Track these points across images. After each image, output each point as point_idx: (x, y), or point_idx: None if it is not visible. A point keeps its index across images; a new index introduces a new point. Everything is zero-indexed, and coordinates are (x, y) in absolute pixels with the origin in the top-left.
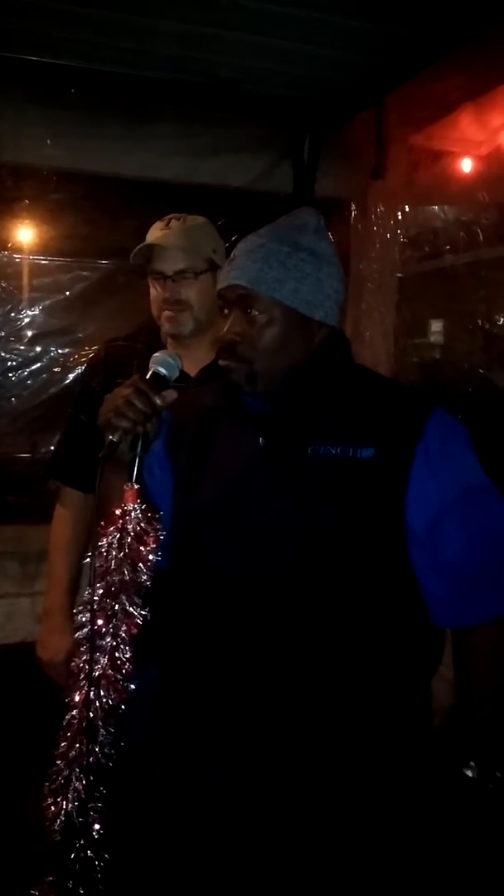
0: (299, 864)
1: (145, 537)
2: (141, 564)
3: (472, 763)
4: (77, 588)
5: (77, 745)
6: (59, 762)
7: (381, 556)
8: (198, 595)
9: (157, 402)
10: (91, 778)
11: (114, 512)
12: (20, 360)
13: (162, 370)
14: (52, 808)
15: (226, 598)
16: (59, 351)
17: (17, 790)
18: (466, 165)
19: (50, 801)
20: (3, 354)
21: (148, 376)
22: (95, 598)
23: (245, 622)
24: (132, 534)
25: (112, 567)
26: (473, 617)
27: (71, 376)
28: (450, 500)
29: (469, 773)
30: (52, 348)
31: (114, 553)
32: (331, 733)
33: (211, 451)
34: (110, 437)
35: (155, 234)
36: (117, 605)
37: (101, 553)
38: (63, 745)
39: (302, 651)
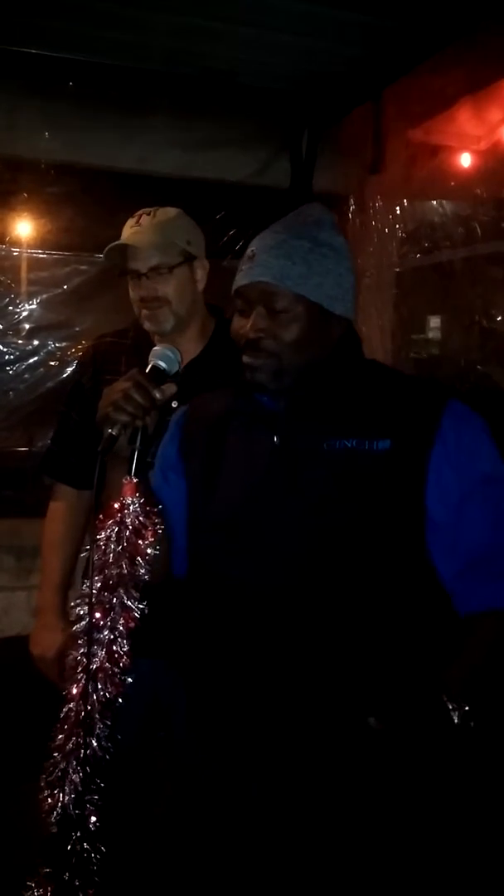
0: (309, 859)
1: (144, 531)
2: (139, 558)
3: (453, 705)
4: (70, 585)
5: (74, 738)
6: (55, 755)
7: (400, 548)
8: (218, 600)
9: (157, 395)
10: (87, 770)
11: (112, 506)
12: (17, 353)
13: (161, 364)
14: (49, 800)
15: (246, 602)
16: (56, 345)
17: (13, 782)
18: (465, 160)
19: (46, 793)
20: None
21: (147, 370)
22: (94, 591)
23: (267, 624)
24: (130, 527)
25: (110, 560)
26: (495, 601)
27: (68, 370)
28: (468, 488)
29: (454, 717)
30: (50, 342)
31: (112, 546)
32: (356, 732)
33: (225, 456)
34: (109, 430)
35: (126, 232)
36: (115, 599)
37: (99, 546)
38: (60, 737)
39: (325, 647)
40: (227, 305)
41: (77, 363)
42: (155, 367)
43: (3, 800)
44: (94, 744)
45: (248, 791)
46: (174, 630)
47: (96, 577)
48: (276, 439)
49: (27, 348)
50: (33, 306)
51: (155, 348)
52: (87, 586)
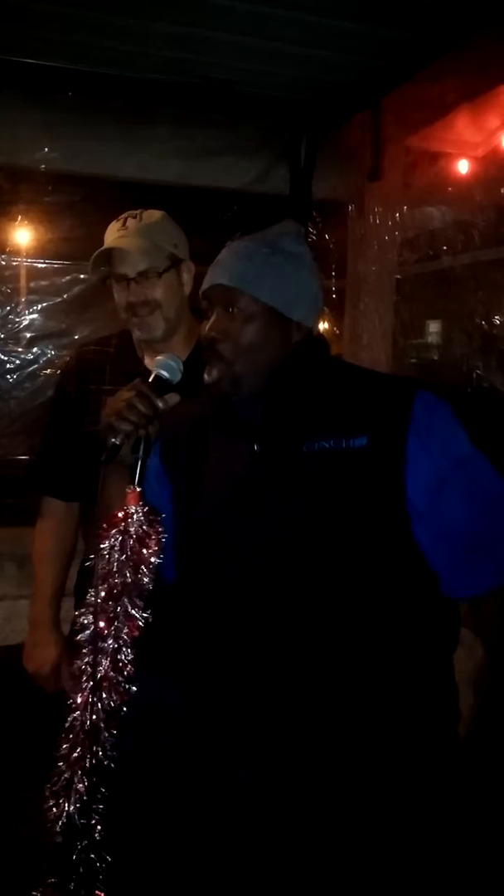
0: (312, 866)
1: (147, 540)
2: (143, 567)
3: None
4: (62, 597)
5: (79, 747)
6: (60, 764)
7: (386, 540)
8: (209, 604)
9: (159, 404)
10: (93, 779)
11: (116, 514)
12: (17, 362)
13: (164, 373)
14: (54, 809)
15: (237, 605)
16: (57, 353)
17: (18, 791)
18: (463, 167)
19: (51, 802)
20: (0, 357)
21: (150, 379)
22: (98, 600)
23: (258, 625)
24: (134, 536)
25: (114, 569)
26: (483, 583)
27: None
28: (445, 471)
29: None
30: (50, 351)
31: (116, 555)
32: (354, 726)
33: (205, 462)
34: (112, 439)
35: (112, 236)
36: (119, 608)
37: (103, 555)
38: (65, 746)
39: (318, 645)
40: None
41: (60, 373)
42: (158, 377)
43: (7, 809)
44: (100, 753)
45: (245, 796)
46: (168, 637)
47: (100, 586)
48: (255, 447)
49: (28, 357)
50: (34, 315)
51: (158, 358)
52: (91, 595)
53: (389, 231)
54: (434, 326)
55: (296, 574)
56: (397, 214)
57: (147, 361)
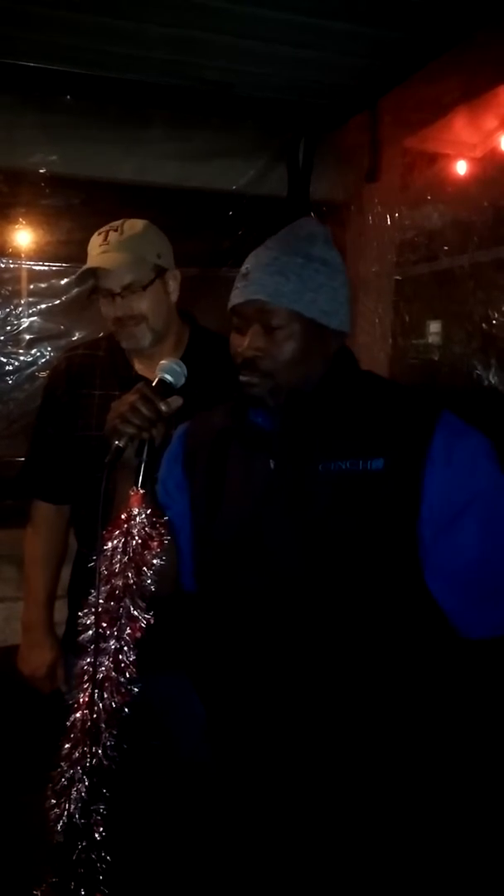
0: (317, 870)
1: (150, 542)
2: (145, 568)
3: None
4: (55, 600)
5: (80, 748)
6: (62, 764)
7: (397, 568)
8: (225, 616)
9: (163, 408)
10: (94, 780)
11: (119, 517)
12: (17, 364)
13: (168, 377)
14: (55, 809)
15: (251, 619)
16: (56, 355)
17: (19, 791)
18: (461, 168)
19: (53, 802)
20: (0, 359)
21: (154, 383)
22: (100, 601)
23: (270, 640)
24: (137, 538)
25: (117, 571)
26: (489, 627)
27: None
28: (460, 507)
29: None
30: (49, 352)
31: (119, 557)
32: (358, 743)
33: (225, 475)
34: (116, 442)
35: (94, 251)
36: (121, 609)
37: (106, 557)
38: (66, 747)
39: (326, 664)
40: (224, 316)
41: (49, 376)
42: (161, 381)
43: (8, 809)
44: (101, 753)
45: (266, 802)
46: (187, 644)
47: (103, 588)
48: (272, 463)
49: (27, 359)
50: (34, 318)
51: (162, 362)
52: (94, 596)
53: (388, 232)
54: (434, 327)
55: (305, 594)
56: (396, 215)
57: (137, 366)
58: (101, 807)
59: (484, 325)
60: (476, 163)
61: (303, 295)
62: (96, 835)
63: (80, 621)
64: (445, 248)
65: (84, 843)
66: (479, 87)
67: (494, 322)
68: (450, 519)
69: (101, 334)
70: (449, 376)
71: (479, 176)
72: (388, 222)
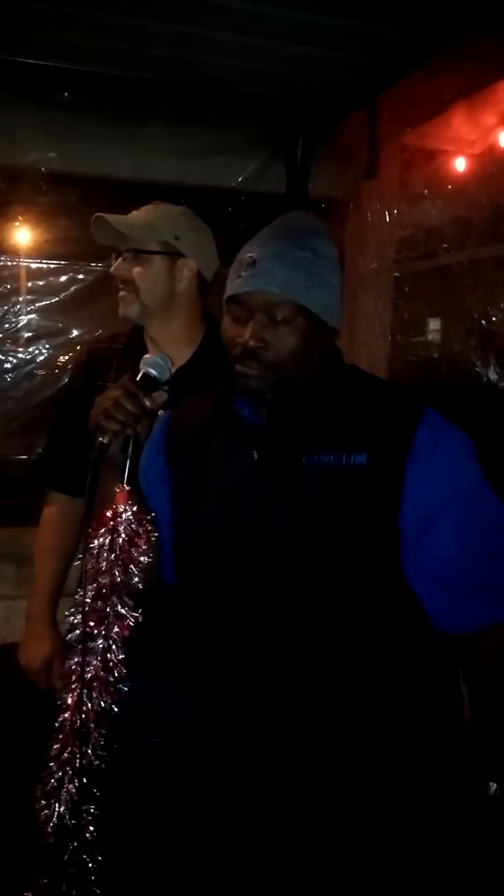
0: (308, 868)
1: (137, 539)
2: (132, 566)
3: (491, 783)
4: (61, 594)
5: (69, 748)
6: (51, 765)
7: (379, 562)
8: (204, 609)
9: (147, 403)
10: (83, 780)
11: (105, 514)
12: (15, 361)
13: (152, 371)
14: (46, 810)
15: (230, 612)
16: (54, 352)
17: (11, 792)
18: (460, 164)
19: (43, 803)
20: None
21: (138, 378)
22: (87, 600)
23: (249, 634)
24: (123, 536)
25: (104, 569)
26: (470, 623)
27: (66, 378)
28: (439, 505)
29: (491, 790)
30: (47, 350)
31: (105, 555)
32: (339, 739)
33: (207, 466)
34: (100, 438)
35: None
36: (109, 608)
37: (92, 555)
38: (55, 747)
39: (307, 659)
40: (217, 310)
41: (71, 369)
42: (146, 375)
43: (4, 808)
44: (90, 753)
45: (246, 799)
46: (167, 639)
47: (90, 586)
48: (255, 454)
49: (25, 356)
50: (32, 315)
51: (146, 356)
52: (80, 595)
53: (387, 229)
54: (434, 324)
55: (285, 585)
56: (395, 212)
57: None
58: (92, 807)
59: (483, 321)
60: (475, 159)
61: (311, 290)
62: (87, 835)
63: (67, 620)
64: (444, 244)
65: (75, 844)
66: (478, 83)
67: (493, 319)
68: (430, 516)
69: (100, 332)
70: (448, 373)
71: (477, 172)
72: (387, 219)
